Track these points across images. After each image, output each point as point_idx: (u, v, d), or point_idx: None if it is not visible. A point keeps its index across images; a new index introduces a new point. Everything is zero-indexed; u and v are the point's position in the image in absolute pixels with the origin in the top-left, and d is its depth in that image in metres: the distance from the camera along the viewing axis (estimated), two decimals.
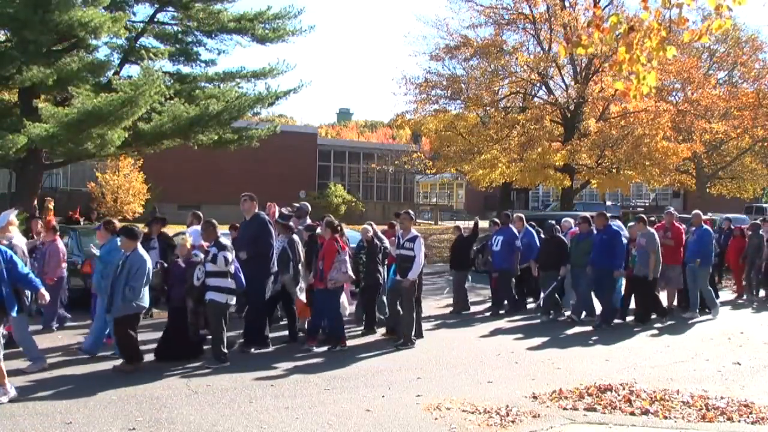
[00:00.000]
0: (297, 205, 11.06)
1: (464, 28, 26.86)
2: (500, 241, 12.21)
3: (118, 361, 7.72)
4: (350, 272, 9.03)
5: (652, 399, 6.69)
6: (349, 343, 9.27)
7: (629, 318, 11.42)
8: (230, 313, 9.20)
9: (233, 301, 8.31)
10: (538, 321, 11.36)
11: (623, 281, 11.50)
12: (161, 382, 7.17)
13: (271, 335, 9.24)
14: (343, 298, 9.05)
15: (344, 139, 64.86)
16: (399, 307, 9.37)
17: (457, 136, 27.04)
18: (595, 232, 11.28)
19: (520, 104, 27.74)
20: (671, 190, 42.01)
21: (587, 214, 12.60)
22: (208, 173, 30.24)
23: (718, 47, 31.38)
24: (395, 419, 6.07)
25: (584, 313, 11.35)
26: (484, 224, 17.08)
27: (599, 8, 22.97)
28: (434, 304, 12.93)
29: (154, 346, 8.30)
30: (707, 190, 32.96)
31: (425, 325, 10.82)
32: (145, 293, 7.69)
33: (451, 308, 12.30)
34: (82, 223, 18.06)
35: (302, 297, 9.33)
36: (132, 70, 20.32)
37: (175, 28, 21.24)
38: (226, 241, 8.47)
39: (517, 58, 25.58)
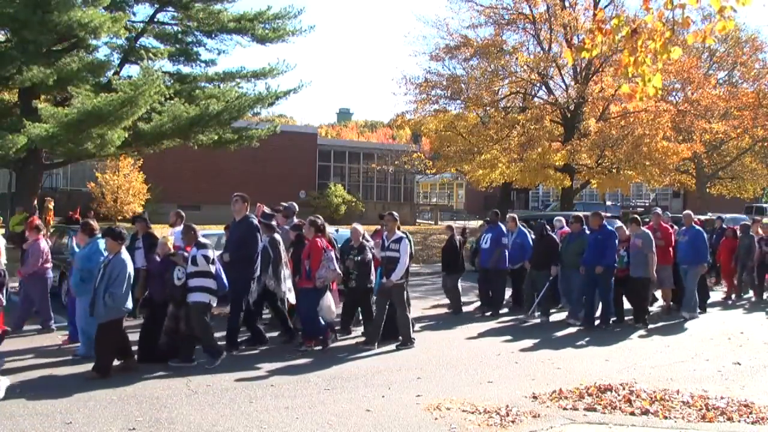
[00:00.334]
0: (284, 204, 10.98)
1: (464, 28, 26.90)
2: (489, 239, 12.12)
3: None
4: (338, 269, 9.00)
5: (652, 399, 6.68)
6: (349, 343, 9.27)
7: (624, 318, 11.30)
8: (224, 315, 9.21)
9: (215, 302, 8.18)
10: (537, 321, 11.30)
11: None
12: (161, 382, 7.17)
13: (267, 335, 9.26)
14: (330, 301, 8.93)
15: (344, 139, 64.85)
16: (377, 308, 9.31)
17: (457, 136, 27.04)
18: (588, 231, 11.18)
19: (520, 104, 27.73)
20: (671, 190, 42.02)
21: (580, 213, 12.55)
22: (208, 173, 30.22)
23: (719, 47, 31.38)
24: (395, 419, 6.07)
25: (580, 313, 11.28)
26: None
27: (601, 11, 22.98)
28: (432, 304, 12.93)
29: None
30: (707, 190, 32.97)
31: (421, 325, 10.81)
32: (128, 296, 7.53)
33: (441, 309, 12.24)
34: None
35: (291, 298, 9.29)
36: (132, 70, 20.37)
37: (175, 28, 21.27)
38: (206, 240, 8.36)
39: (517, 58, 25.58)
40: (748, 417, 6.24)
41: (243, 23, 20.64)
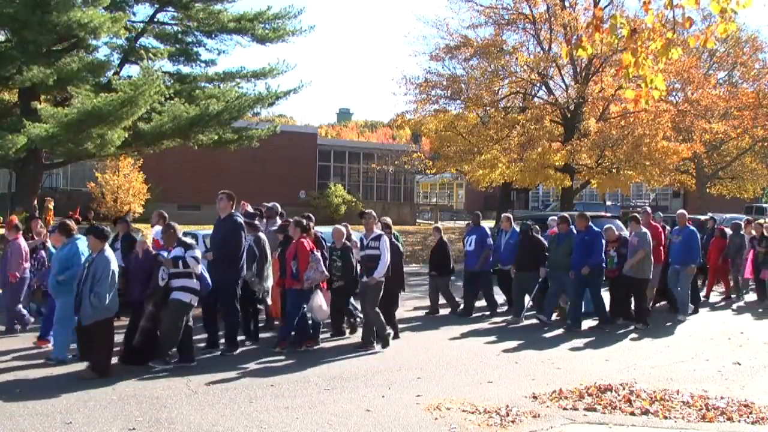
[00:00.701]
0: (267, 205, 10.88)
1: (464, 28, 26.88)
2: (473, 240, 11.97)
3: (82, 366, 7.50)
4: (325, 271, 8.93)
5: (652, 399, 6.68)
6: (348, 343, 9.26)
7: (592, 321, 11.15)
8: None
9: (196, 302, 8.10)
10: (530, 323, 11.21)
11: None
12: (161, 382, 7.17)
13: (261, 335, 9.27)
14: (322, 301, 8.86)
15: (344, 139, 64.85)
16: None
17: (457, 136, 27.04)
18: (575, 232, 11.05)
19: (520, 104, 27.72)
20: (671, 190, 42.03)
21: (566, 214, 12.52)
22: (208, 173, 30.22)
23: (719, 47, 31.35)
24: (395, 419, 6.07)
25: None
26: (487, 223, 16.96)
27: (600, 9, 22.99)
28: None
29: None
30: (707, 190, 32.97)
31: (416, 325, 10.79)
32: (114, 295, 7.45)
33: (426, 311, 12.14)
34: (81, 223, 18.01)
35: (268, 299, 9.24)
36: (132, 70, 20.37)
37: (175, 28, 21.27)
38: (191, 240, 8.28)
39: (517, 58, 25.57)
40: (748, 417, 6.24)
41: (243, 23, 20.64)
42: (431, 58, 27.05)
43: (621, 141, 24.16)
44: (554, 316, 11.36)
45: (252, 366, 7.98)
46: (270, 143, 23.78)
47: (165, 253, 8.04)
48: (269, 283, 9.45)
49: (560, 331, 10.57)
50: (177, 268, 7.82)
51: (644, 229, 11.17)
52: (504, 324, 11.16)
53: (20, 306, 9.89)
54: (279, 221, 10.39)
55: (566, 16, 24.14)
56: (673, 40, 4.76)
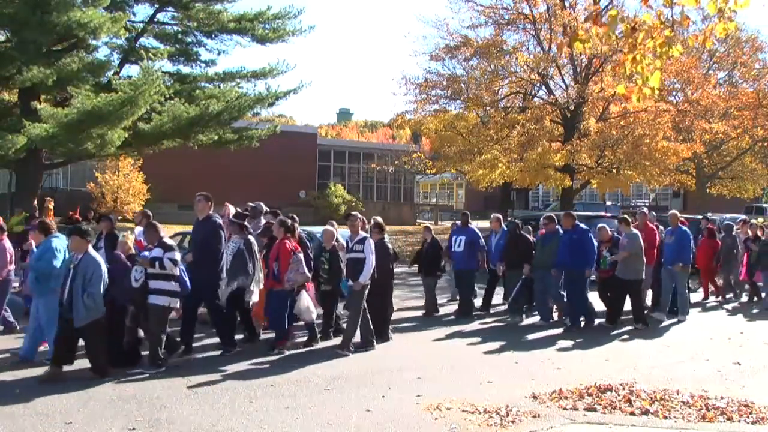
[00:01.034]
0: (251, 204, 10.77)
1: (464, 28, 26.91)
2: (462, 241, 11.83)
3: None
4: (307, 272, 8.83)
5: (652, 399, 6.68)
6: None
7: (599, 320, 11.05)
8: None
9: (176, 304, 8.03)
10: (530, 322, 11.19)
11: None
12: (161, 382, 7.16)
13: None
14: (309, 302, 8.78)
15: (344, 139, 64.85)
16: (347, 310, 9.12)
17: (457, 136, 27.05)
18: (561, 232, 10.97)
19: (520, 104, 27.74)
20: (671, 190, 42.04)
21: (553, 213, 12.46)
22: (208, 173, 30.19)
23: (718, 47, 31.38)
24: (395, 419, 6.07)
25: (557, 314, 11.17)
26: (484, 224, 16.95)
27: (598, 6, 23.01)
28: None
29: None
30: (707, 190, 32.98)
31: (415, 326, 10.76)
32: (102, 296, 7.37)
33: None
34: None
35: (254, 297, 9.16)
36: (132, 70, 20.40)
37: (175, 28, 21.29)
38: (171, 241, 8.22)
39: (517, 58, 25.59)
40: (748, 417, 6.24)
41: (243, 23, 20.66)
42: (431, 58, 27.10)
43: (621, 141, 24.18)
44: (555, 316, 11.36)
45: (252, 366, 7.98)
46: (270, 143, 23.78)
47: (147, 254, 7.95)
48: (261, 285, 9.28)
49: (560, 330, 10.56)
50: (154, 269, 7.70)
51: (635, 231, 11.06)
52: (503, 324, 11.15)
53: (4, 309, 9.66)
54: (263, 221, 10.21)
55: (566, 16, 24.14)
56: (672, 38, 4.74)
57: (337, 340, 9.14)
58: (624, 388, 7.02)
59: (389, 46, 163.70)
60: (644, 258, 10.95)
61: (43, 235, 8.22)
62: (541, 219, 11.87)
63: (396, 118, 29.89)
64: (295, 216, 9.97)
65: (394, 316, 11.35)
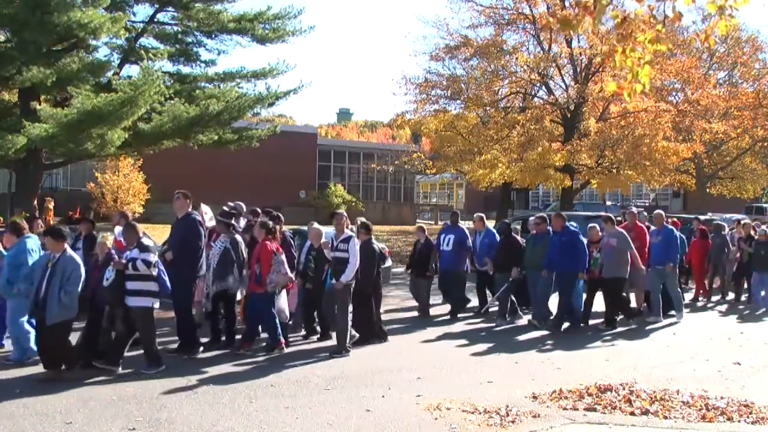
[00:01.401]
0: (231, 204, 10.56)
1: (464, 28, 26.88)
2: (451, 239, 11.65)
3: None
4: (289, 273, 8.75)
5: (652, 399, 6.68)
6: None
7: (592, 322, 11.00)
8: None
9: (157, 304, 7.97)
10: (525, 322, 11.10)
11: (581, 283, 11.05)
12: (161, 382, 7.16)
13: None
14: (284, 303, 8.71)
15: (344, 139, 64.83)
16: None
17: (457, 136, 27.05)
18: (552, 233, 10.89)
19: (520, 104, 27.74)
20: (671, 190, 42.06)
21: (545, 214, 12.38)
22: (208, 173, 30.23)
23: (718, 47, 31.38)
24: (395, 419, 6.07)
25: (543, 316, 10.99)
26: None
27: None
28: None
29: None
30: (707, 190, 32.98)
31: (415, 326, 10.74)
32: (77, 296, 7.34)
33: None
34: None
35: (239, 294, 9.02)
36: (132, 70, 20.39)
37: (175, 28, 21.29)
38: (149, 241, 8.17)
39: (517, 58, 25.58)
40: (748, 417, 6.24)
41: (243, 23, 20.66)
42: (431, 58, 27.09)
43: (621, 141, 24.18)
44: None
45: (252, 366, 7.98)
46: (270, 143, 23.78)
47: (120, 255, 7.94)
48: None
49: (560, 332, 10.53)
50: (135, 270, 7.66)
51: (621, 230, 10.94)
52: (502, 325, 11.14)
53: None
54: (243, 221, 10.10)
55: (566, 15, 24.11)
56: (662, 33, 4.72)
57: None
58: (624, 388, 7.02)
59: (389, 46, 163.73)
60: (629, 258, 10.75)
61: (14, 237, 8.17)
62: (531, 219, 11.78)
63: (396, 118, 29.88)
64: (280, 215, 9.81)
65: (393, 316, 11.38)
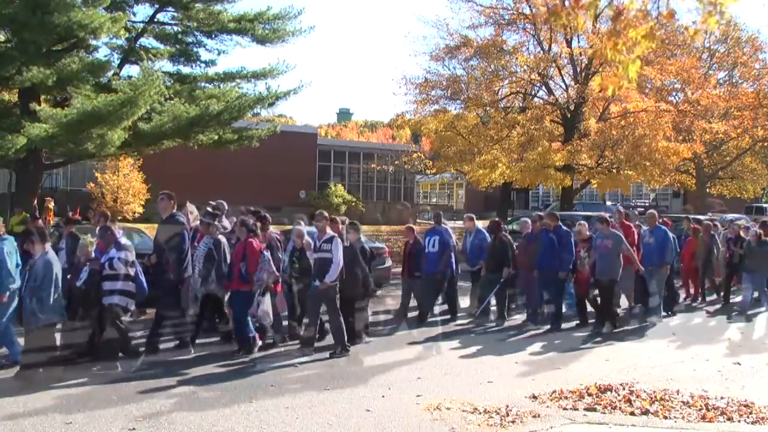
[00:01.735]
0: (212, 203, 10.69)
1: (464, 29, 26.89)
2: (436, 241, 11.38)
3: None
4: (276, 272, 8.72)
5: (652, 399, 6.69)
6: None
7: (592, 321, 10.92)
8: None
9: (133, 306, 7.99)
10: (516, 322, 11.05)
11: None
12: (161, 382, 7.17)
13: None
14: (268, 305, 8.66)
15: (344, 139, 64.79)
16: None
17: (457, 137, 27.05)
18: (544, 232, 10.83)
19: (520, 104, 27.74)
20: (671, 190, 42.07)
21: (539, 213, 12.32)
22: (208, 173, 30.23)
23: (718, 47, 31.41)
24: (395, 419, 6.07)
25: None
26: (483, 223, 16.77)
27: None
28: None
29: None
30: (707, 190, 32.99)
31: (413, 326, 10.69)
32: (59, 299, 7.28)
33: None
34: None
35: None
36: (132, 71, 20.36)
37: (175, 28, 21.26)
38: (126, 241, 8.16)
39: (517, 59, 25.59)
40: (748, 417, 6.25)
41: (243, 24, 20.63)
42: (431, 58, 27.10)
43: (621, 141, 24.19)
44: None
45: (252, 366, 7.98)
46: (270, 143, 23.76)
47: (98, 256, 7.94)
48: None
49: (559, 332, 10.53)
50: (111, 269, 7.65)
51: (615, 231, 10.80)
52: (500, 325, 11.12)
53: None
54: (225, 221, 10.03)
55: (556, 7, 24.12)
56: (654, 30, 4.71)
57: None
58: (624, 388, 7.02)
59: (389, 46, 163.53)
60: (622, 260, 10.64)
61: None
62: (522, 219, 11.70)
63: (396, 118, 29.94)
64: (267, 216, 9.73)
65: (391, 317, 11.36)
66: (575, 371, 7.95)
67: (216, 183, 30.56)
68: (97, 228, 8.53)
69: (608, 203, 39.38)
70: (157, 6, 20.39)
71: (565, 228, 10.90)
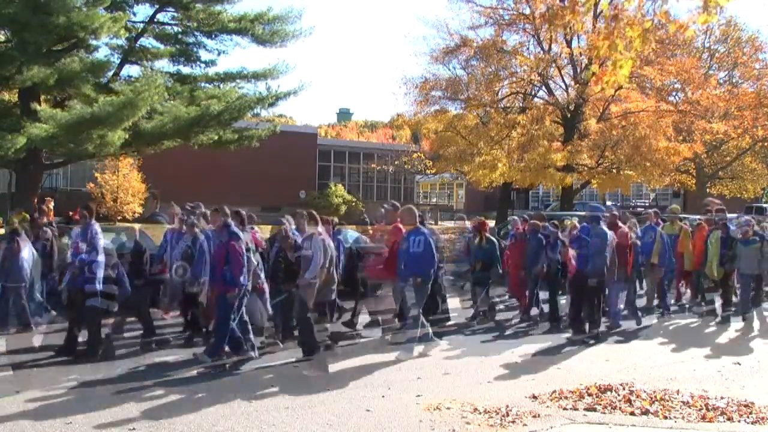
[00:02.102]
0: (191, 204, 10.41)
1: (464, 29, 26.93)
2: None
3: None
4: (260, 274, 8.67)
5: (652, 399, 6.68)
6: (348, 343, 9.23)
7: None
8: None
9: (115, 308, 8.01)
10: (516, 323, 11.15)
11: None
12: (161, 382, 7.17)
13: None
14: (262, 306, 8.64)
15: (344, 139, 64.74)
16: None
17: (456, 137, 27.06)
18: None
19: (521, 105, 27.76)
20: (671, 190, 42.07)
21: (533, 213, 12.38)
22: (208, 173, 30.23)
23: (719, 47, 31.43)
24: (395, 419, 6.07)
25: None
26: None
27: None
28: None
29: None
30: (707, 190, 32.99)
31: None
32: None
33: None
34: None
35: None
36: (132, 71, 20.39)
37: (176, 28, 21.28)
38: (108, 243, 8.19)
39: (517, 59, 25.61)
40: (748, 417, 6.24)
41: (243, 24, 20.65)
42: (431, 59, 27.13)
43: (621, 141, 24.21)
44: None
45: (252, 366, 7.97)
46: (270, 143, 23.77)
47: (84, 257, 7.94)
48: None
49: (559, 332, 10.53)
50: (84, 273, 7.69)
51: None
52: (499, 326, 11.13)
53: None
54: (203, 222, 9.75)
55: (555, 11, 24.13)
56: (650, 31, 4.73)
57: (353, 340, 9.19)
58: (624, 388, 7.02)
59: (389, 46, 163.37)
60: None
61: None
62: (513, 218, 11.79)
63: (396, 118, 30.06)
64: (252, 215, 9.68)
65: (390, 317, 11.27)
66: (575, 371, 7.94)
67: (216, 183, 30.56)
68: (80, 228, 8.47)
69: (608, 203, 39.39)
70: (157, 6, 20.40)
71: (551, 228, 11.05)
